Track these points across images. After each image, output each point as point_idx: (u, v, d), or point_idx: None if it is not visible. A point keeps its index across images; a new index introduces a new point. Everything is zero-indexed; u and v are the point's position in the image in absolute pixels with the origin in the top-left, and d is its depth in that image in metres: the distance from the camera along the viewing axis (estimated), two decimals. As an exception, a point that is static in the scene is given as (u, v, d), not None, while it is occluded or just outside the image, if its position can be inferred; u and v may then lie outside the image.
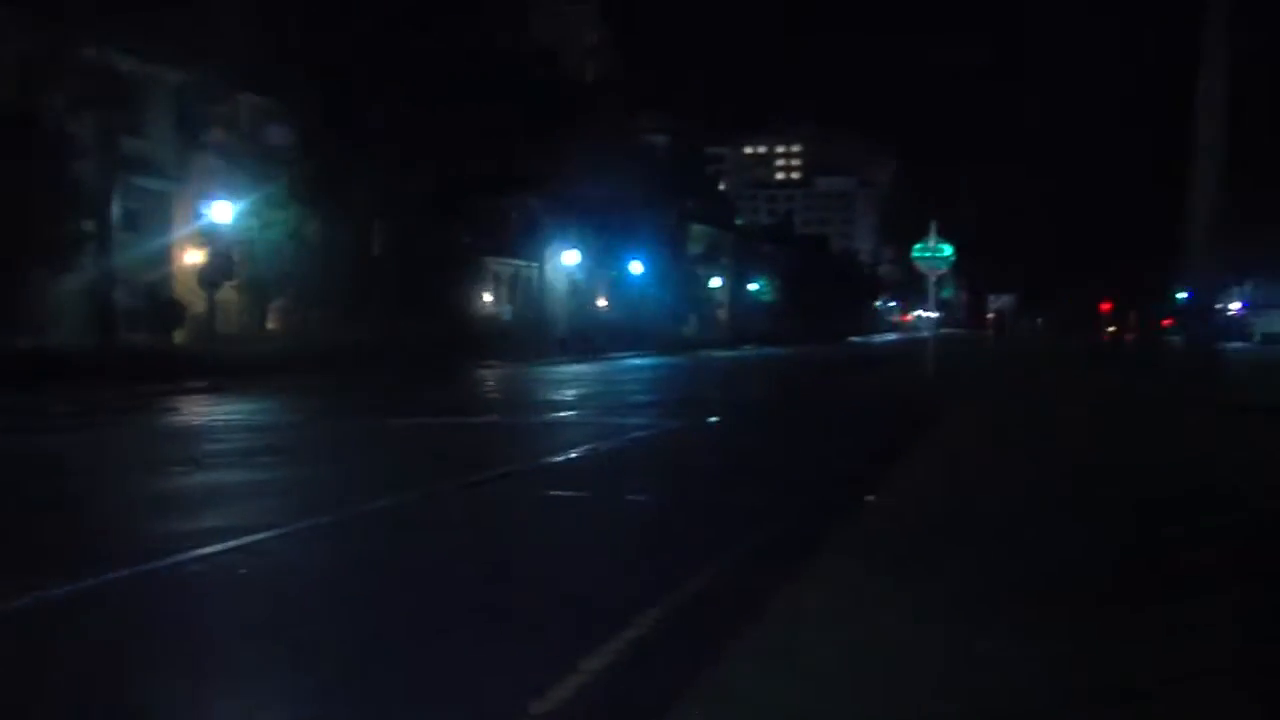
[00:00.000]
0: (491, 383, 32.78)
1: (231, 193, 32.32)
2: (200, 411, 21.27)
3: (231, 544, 8.15)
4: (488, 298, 55.80)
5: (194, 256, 35.52)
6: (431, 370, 34.60)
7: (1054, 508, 9.01)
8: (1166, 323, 51.45)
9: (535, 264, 59.17)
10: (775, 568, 7.18)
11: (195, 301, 34.03)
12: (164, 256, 36.29)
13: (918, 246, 30.54)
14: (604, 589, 7.15)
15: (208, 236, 32.62)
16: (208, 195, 32.27)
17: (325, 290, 36.96)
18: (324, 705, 5.01)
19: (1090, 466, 11.44)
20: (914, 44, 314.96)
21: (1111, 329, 65.04)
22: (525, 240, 57.43)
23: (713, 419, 21.06)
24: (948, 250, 30.05)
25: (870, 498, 9.77)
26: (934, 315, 38.07)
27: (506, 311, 58.80)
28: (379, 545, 8.75)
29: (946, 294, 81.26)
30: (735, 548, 8.29)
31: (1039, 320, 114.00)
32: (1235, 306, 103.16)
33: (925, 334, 45.15)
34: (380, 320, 40.05)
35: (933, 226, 29.86)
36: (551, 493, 11.35)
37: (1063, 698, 4.50)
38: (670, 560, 7.97)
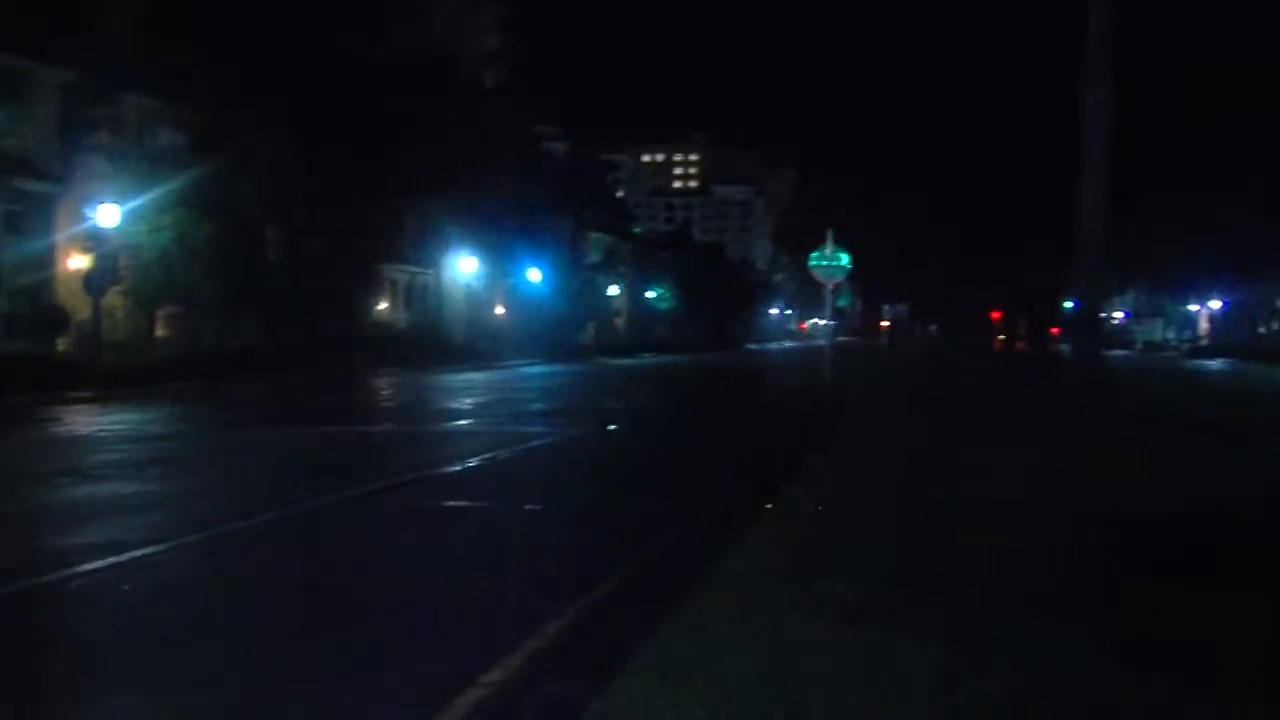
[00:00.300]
0: (387, 390, 32.38)
1: (118, 196, 31.31)
2: (84, 422, 20.66)
3: (112, 560, 7.92)
4: (384, 305, 55.18)
5: (79, 261, 34.49)
6: (325, 378, 34.13)
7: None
8: (1055, 331, 52.76)
9: (432, 271, 58.58)
10: (672, 576, 7.18)
11: (80, 308, 33.07)
12: (47, 261, 35.13)
13: (814, 254, 30.73)
14: (502, 602, 7.08)
15: (93, 240, 31.59)
16: (93, 198, 31.24)
17: (215, 296, 36.17)
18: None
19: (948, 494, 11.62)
20: (812, 52, 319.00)
21: (1002, 337, 66.51)
22: (422, 247, 56.84)
23: (611, 427, 21.08)
24: (844, 259, 30.30)
25: (768, 505, 9.82)
26: (830, 323, 38.46)
27: (403, 318, 58.19)
28: (265, 560, 8.56)
29: (843, 303, 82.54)
30: (633, 558, 8.26)
31: (931, 328, 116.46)
32: (1119, 315, 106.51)
33: (821, 342, 45.66)
34: (272, 327, 39.47)
35: (829, 235, 30.10)
36: (447, 503, 11.23)
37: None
38: (569, 570, 7.94)
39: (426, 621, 6.60)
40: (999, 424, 18.28)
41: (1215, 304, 79.36)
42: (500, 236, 59.88)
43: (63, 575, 7.48)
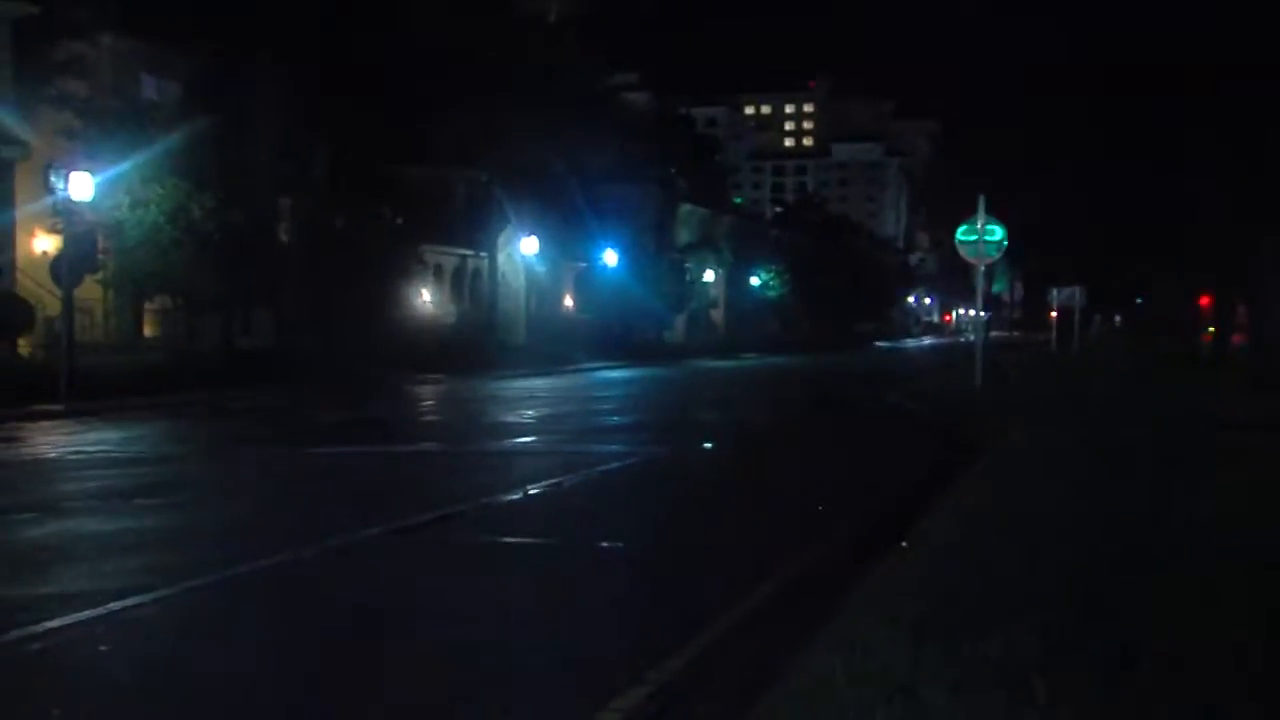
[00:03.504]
0: (430, 401, 32.58)
1: (93, 162, 31.37)
2: (53, 442, 20.93)
3: (86, 614, 7.92)
4: (426, 295, 55.47)
5: (44, 243, 34.83)
6: (355, 386, 34.36)
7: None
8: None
9: (485, 254, 58.69)
10: (786, 630, 7.05)
11: (47, 301, 33.40)
12: (4, 242, 35.23)
13: (962, 229, 30.45)
14: (576, 660, 6.98)
15: (63, 217, 31.49)
16: (61, 165, 31.29)
17: (218, 287, 36.24)
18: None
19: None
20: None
21: (1211, 329, 64.86)
22: (473, 225, 57.04)
23: (705, 445, 20.99)
24: (999, 233, 29.95)
25: (904, 544, 9.59)
26: (984, 314, 37.95)
27: (451, 312, 58.45)
28: (278, 613, 8.55)
29: (999, 288, 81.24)
30: (734, 605, 8.15)
31: (1116, 319, 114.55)
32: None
33: (970, 338, 44.98)
34: (290, 324, 39.74)
35: (981, 204, 29.77)
36: (502, 539, 11.16)
37: None
38: (656, 622, 7.85)
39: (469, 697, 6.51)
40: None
41: None
42: (568, 211, 60.02)
43: (23, 634, 7.48)
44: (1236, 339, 59.02)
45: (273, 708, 6.35)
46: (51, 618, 7.78)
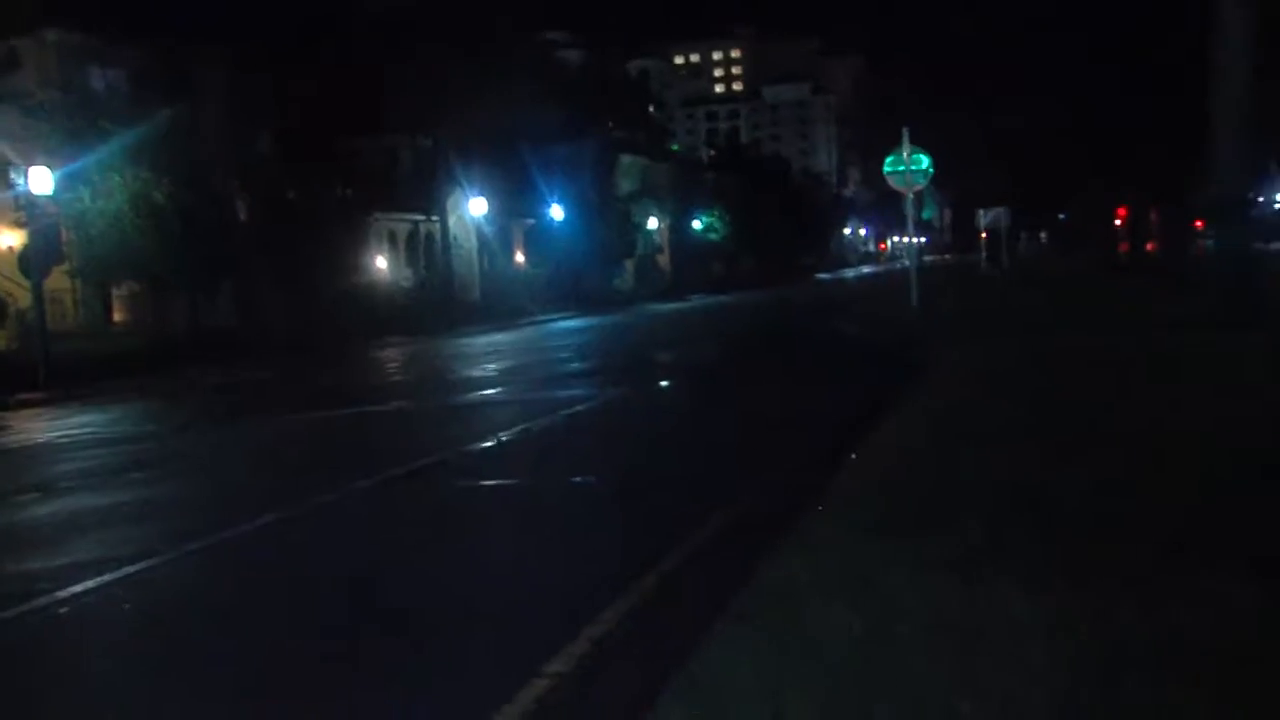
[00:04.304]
0: (394, 363, 32.70)
1: (51, 156, 31.31)
2: (40, 428, 21.10)
3: (105, 578, 8.20)
4: (382, 262, 55.49)
5: (9, 239, 34.77)
6: (320, 354, 34.48)
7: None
8: (1198, 224, 51.88)
9: (436, 218, 58.61)
10: (753, 539, 7.40)
11: (18, 294, 33.42)
12: (-32, 239, 35.34)
13: (889, 159, 30.80)
14: (567, 576, 7.33)
15: (25, 211, 31.38)
16: (20, 161, 31.19)
17: (182, 269, 36.32)
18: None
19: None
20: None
21: (1127, 242, 65.72)
22: (421, 190, 56.94)
23: (662, 384, 21.34)
24: (925, 161, 30.33)
25: (853, 456, 9.96)
26: (917, 241, 38.32)
27: (407, 276, 58.47)
28: (281, 559, 8.84)
29: (928, 215, 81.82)
30: (701, 527, 8.49)
31: (1041, 235, 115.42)
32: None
33: (906, 263, 45.44)
34: (252, 300, 39.80)
35: (905, 134, 30.12)
36: (482, 483, 11.48)
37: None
38: (631, 541, 8.21)
39: (475, 613, 6.84)
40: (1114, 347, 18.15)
41: None
42: (514, 171, 59.97)
43: (49, 600, 7.77)
44: (1150, 246, 59.84)
45: (287, 634, 6.68)
46: (73, 584, 8.06)
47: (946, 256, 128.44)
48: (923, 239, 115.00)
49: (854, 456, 9.99)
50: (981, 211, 66.98)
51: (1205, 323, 18.37)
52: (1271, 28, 18.25)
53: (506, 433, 14.70)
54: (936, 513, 7.37)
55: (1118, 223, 68.82)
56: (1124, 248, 64.96)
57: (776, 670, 4.87)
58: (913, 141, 30.31)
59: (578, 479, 11.27)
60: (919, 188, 31.47)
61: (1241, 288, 19.24)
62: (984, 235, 70.29)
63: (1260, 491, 7.51)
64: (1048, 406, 11.91)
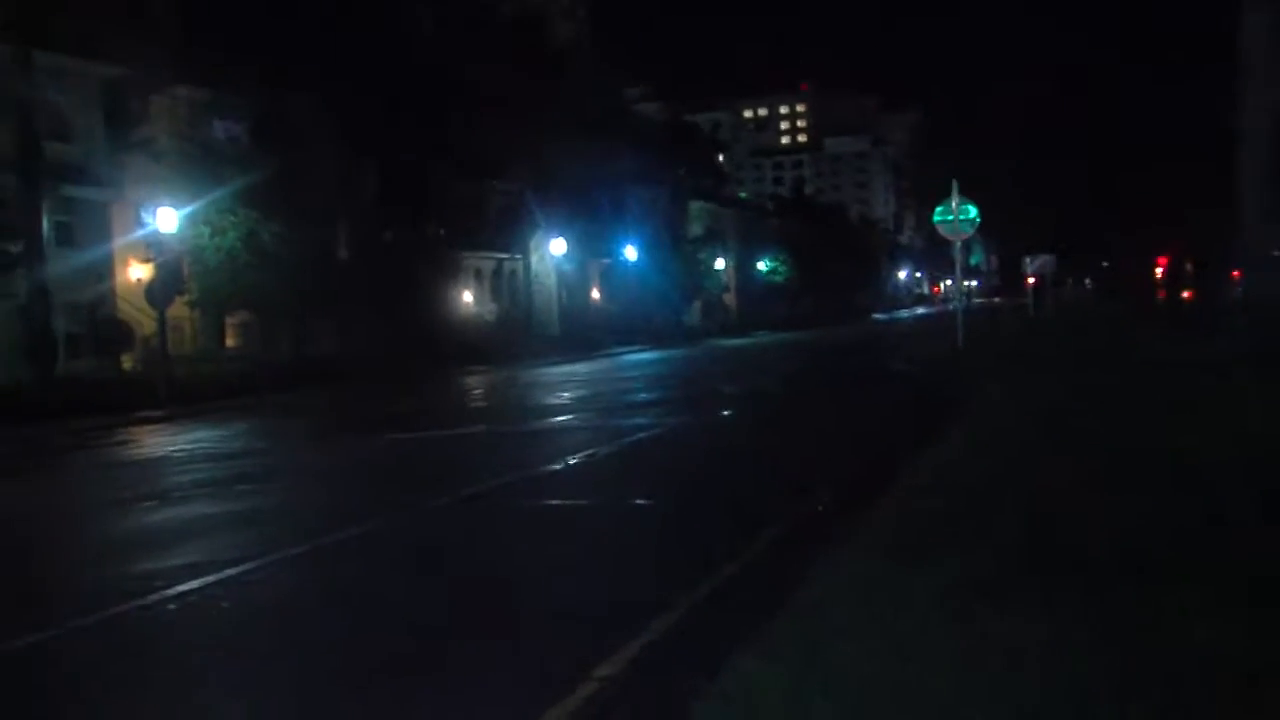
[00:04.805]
0: (478, 390, 33.07)
1: (175, 198, 32.08)
2: (159, 443, 21.59)
3: (210, 579, 8.52)
4: (469, 297, 56.05)
5: (139, 271, 35.66)
6: (411, 380, 34.91)
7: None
8: (1236, 275, 51.43)
9: (519, 256, 59.24)
10: (795, 561, 7.57)
11: (144, 321, 34.20)
12: (104, 273, 36.20)
13: (939, 209, 30.84)
14: (616, 592, 7.54)
15: (153, 248, 32.33)
16: (149, 202, 32.07)
17: (289, 300, 37.07)
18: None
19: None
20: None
21: (1164, 289, 65.33)
22: (507, 231, 57.50)
23: (725, 413, 21.43)
24: (973, 211, 30.33)
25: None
26: (967, 284, 38.24)
27: (491, 310, 59.00)
28: (368, 566, 9.11)
29: (975, 260, 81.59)
30: (752, 545, 8.67)
31: (1086, 282, 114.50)
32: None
33: (954, 306, 45.31)
34: (351, 329, 40.40)
35: (954, 186, 30.14)
36: (549, 502, 11.71)
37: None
38: (682, 561, 8.39)
39: (537, 616, 7.08)
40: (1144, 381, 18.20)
41: None
42: (591, 213, 60.34)
43: (160, 597, 8.10)
44: (1187, 295, 59.36)
45: (368, 631, 6.93)
46: (181, 583, 8.40)
47: (995, 300, 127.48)
48: (973, 283, 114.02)
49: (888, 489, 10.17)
50: (1028, 258, 66.65)
51: (1233, 363, 18.41)
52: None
53: (574, 457, 14.91)
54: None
55: (1159, 271, 68.46)
56: (1162, 295, 64.52)
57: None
58: (963, 192, 30.34)
59: (639, 501, 11.46)
60: (966, 236, 31.45)
61: (1270, 334, 19.26)
62: (1030, 280, 69.80)
63: (1249, 513, 7.70)
64: (1068, 434, 12.07)
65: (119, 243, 36.03)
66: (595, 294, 68.69)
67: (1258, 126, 17.06)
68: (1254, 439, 10.95)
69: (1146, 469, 9.70)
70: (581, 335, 55.74)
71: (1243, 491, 8.53)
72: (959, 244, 31.56)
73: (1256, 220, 17.54)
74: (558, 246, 58.24)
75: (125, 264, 36.77)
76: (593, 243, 63.39)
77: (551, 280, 62.68)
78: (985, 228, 35.94)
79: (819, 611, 6.09)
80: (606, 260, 67.30)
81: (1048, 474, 9.74)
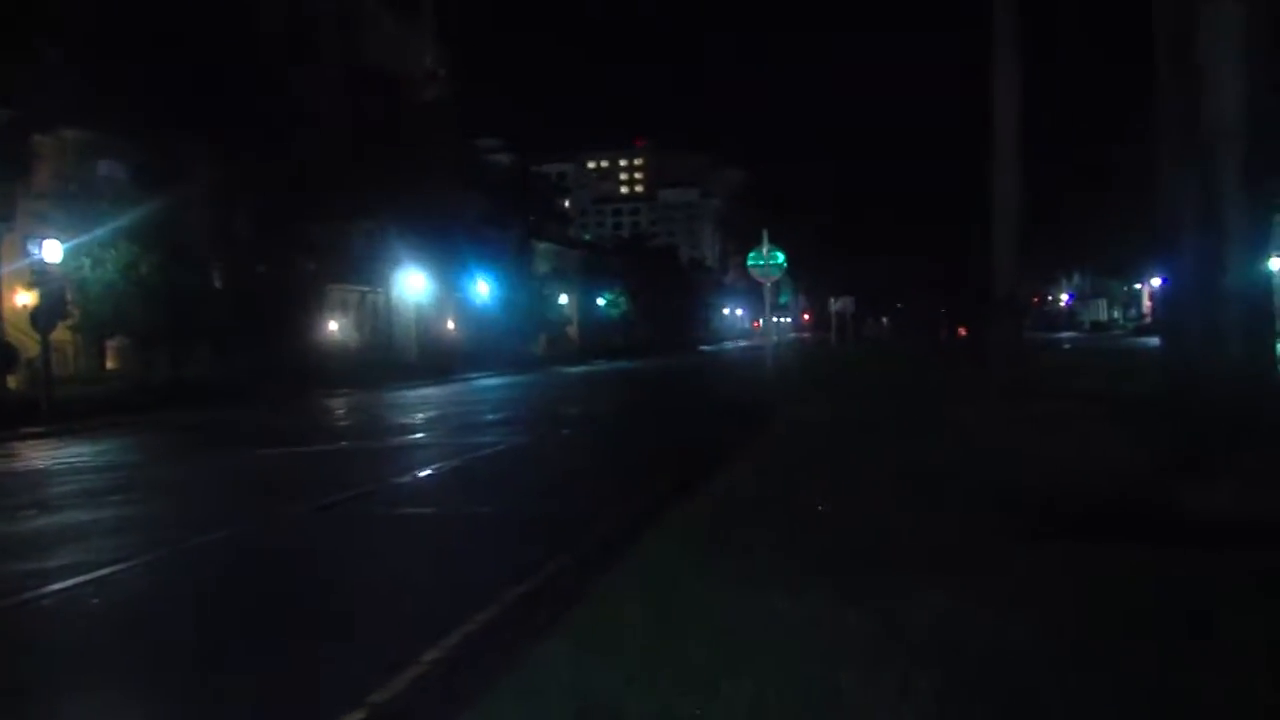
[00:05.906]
0: (341, 410, 32.70)
1: (61, 231, 31.37)
2: (40, 456, 20.96)
3: (80, 579, 8.46)
4: (335, 326, 55.40)
5: (25, 298, 34.58)
6: (279, 402, 34.38)
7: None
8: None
9: (381, 289, 58.86)
10: (607, 557, 7.85)
11: (29, 344, 33.12)
12: (-7, 300, 35.13)
13: (751, 254, 31.62)
14: (449, 588, 7.71)
15: (38, 276, 31.38)
16: (36, 234, 31.26)
17: (165, 327, 36.38)
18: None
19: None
20: (760, 51, 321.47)
21: (943, 328, 68.01)
22: (371, 266, 57.07)
23: (564, 431, 21.69)
24: (780, 257, 31.17)
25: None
26: (782, 320, 39.25)
27: (355, 338, 58.37)
28: (230, 568, 9.12)
29: (784, 300, 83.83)
30: (574, 546, 8.91)
31: (884, 320, 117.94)
32: (1065, 298, 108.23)
33: (774, 339, 46.36)
34: (225, 355, 39.71)
35: (764, 235, 30.96)
36: (399, 511, 11.80)
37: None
38: (510, 561, 8.59)
39: (378, 606, 7.22)
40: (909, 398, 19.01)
41: (1156, 281, 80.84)
42: (448, 251, 60.26)
43: (34, 594, 8.02)
44: (961, 332, 61.84)
45: (225, 628, 7.00)
46: (54, 582, 8.33)
47: (805, 335, 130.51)
48: (786, 319, 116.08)
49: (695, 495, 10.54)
50: (833, 299, 68.71)
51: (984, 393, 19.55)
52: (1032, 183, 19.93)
53: (424, 470, 15.02)
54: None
55: (943, 311, 71.19)
56: (943, 333, 67.12)
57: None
58: (773, 241, 31.14)
59: (479, 509, 11.62)
60: (775, 278, 32.25)
61: (1013, 365, 20.55)
62: (834, 318, 71.76)
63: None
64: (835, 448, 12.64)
65: (6, 270, 34.82)
66: (451, 324, 68.40)
67: (1007, 204, 18.35)
68: (979, 452, 11.75)
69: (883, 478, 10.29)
70: (437, 362, 55.37)
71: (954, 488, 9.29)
72: (769, 285, 32.34)
73: (1006, 271, 18.73)
74: (416, 281, 58.30)
75: (13, 290, 35.58)
76: (449, 278, 63.26)
77: (411, 311, 62.28)
78: (795, 272, 36.88)
79: (615, 599, 6.39)
80: (461, 294, 67.16)
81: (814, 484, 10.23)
